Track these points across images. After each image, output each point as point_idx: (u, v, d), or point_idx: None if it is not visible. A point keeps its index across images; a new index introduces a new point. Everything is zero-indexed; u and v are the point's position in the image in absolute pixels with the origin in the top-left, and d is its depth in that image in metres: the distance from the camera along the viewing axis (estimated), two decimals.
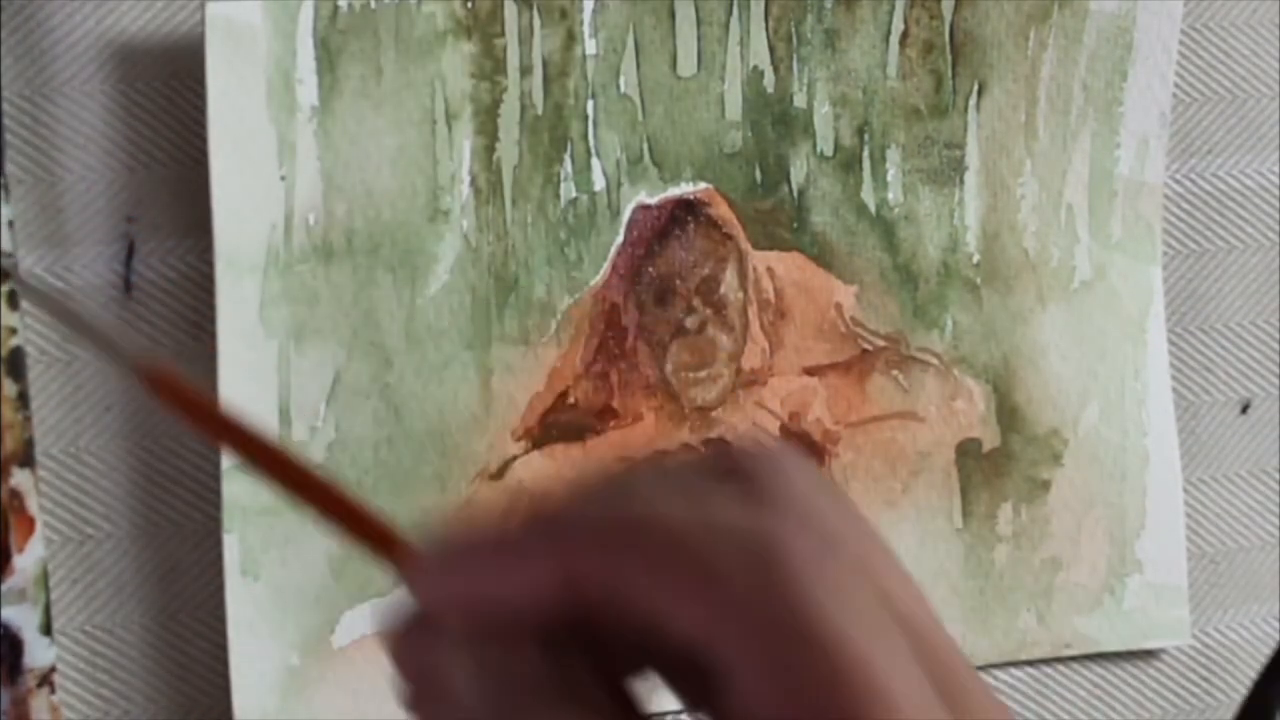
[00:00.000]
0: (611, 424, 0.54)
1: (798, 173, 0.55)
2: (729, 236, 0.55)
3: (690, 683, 0.32)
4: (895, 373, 0.56)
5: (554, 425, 0.53)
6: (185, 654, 0.52)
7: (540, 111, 0.52)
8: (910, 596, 0.31)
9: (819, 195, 0.55)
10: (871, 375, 0.56)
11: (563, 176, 0.53)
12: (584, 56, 0.53)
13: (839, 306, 0.56)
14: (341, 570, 0.51)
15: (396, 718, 0.52)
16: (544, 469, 0.53)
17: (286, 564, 0.50)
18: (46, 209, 0.51)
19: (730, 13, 0.54)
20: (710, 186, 0.54)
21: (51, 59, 0.50)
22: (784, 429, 0.55)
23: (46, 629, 0.49)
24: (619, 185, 0.53)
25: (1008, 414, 0.57)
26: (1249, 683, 0.59)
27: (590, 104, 0.53)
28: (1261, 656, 0.61)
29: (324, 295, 0.51)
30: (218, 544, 0.50)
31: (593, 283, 0.53)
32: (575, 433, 0.53)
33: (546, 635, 0.31)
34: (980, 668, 0.58)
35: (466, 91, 0.52)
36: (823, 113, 0.55)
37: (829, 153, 0.55)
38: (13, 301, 0.49)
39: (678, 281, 0.54)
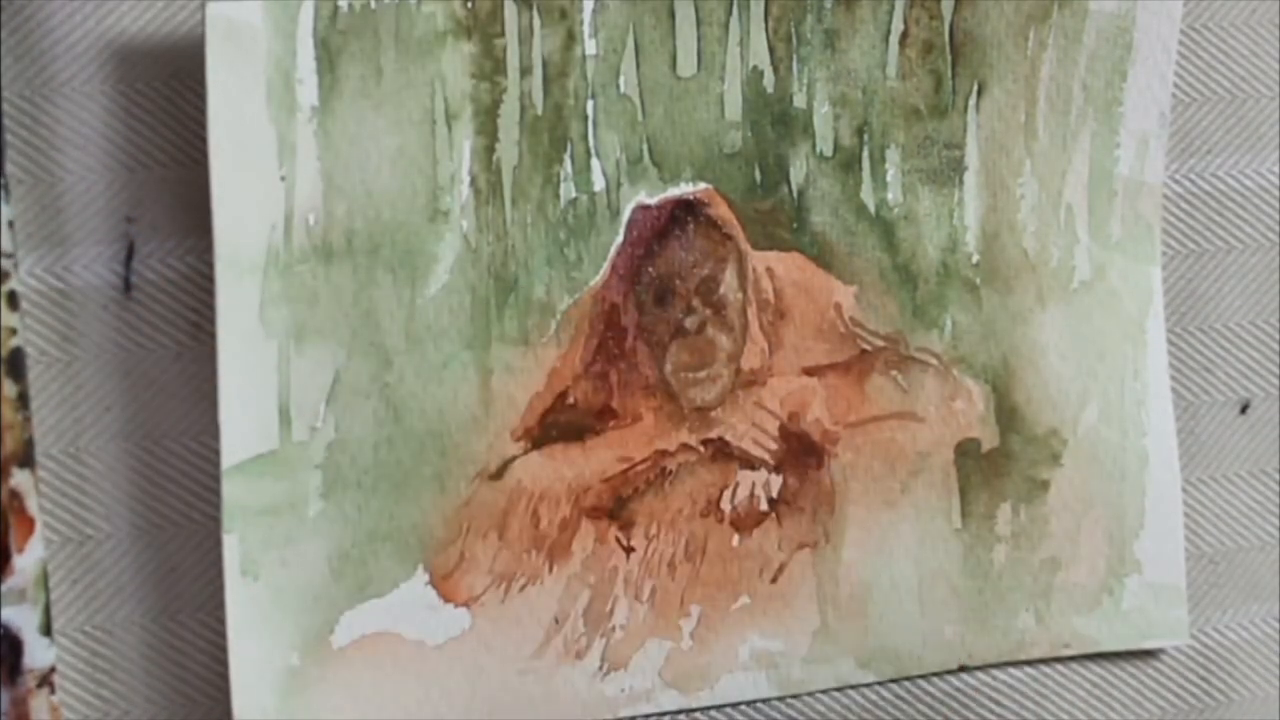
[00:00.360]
0: (611, 424, 0.54)
1: (797, 173, 0.55)
2: (729, 237, 0.55)
3: None
4: (894, 373, 0.56)
5: (553, 425, 0.53)
6: (185, 654, 0.52)
7: (540, 112, 0.52)
8: None
9: (818, 195, 0.55)
10: (871, 375, 0.56)
11: (562, 177, 0.53)
12: (584, 57, 0.53)
13: (838, 307, 0.56)
14: (341, 571, 0.51)
15: (395, 718, 0.52)
16: (543, 469, 0.53)
17: (286, 564, 0.50)
18: (46, 209, 0.51)
19: (730, 13, 0.54)
20: (710, 187, 0.54)
21: (51, 59, 0.50)
22: (783, 429, 0.55)
23: (46, 629, 0.49)
24: (619, 185, 0.53)
25: (1007, 414, 0.57)
26: (1248, 683, 0.59)
27: (590, 104, 0.53)
28: (1261, 657, 0.61)
29: (324, 295, 0.51)
30: (217, 544, 0.50)
31: (592, 283, 0.53)
32: (575, 433, 0.53)
33: None
34: (979, 668, 0.58)
35: (466, 92, 0.52)
36: (822, 113, 0.55)
37: (828, 153, 0.55)
38: (12, 301, 0.49)
39: (677, 282, 0.54)
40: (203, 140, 0.49)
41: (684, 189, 0.54)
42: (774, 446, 0.55)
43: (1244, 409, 0.62)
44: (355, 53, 0.51)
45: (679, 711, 0.55)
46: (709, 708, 0.55)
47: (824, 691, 0.56)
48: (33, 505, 0.49)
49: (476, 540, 0.52)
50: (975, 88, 0.56)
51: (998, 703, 0.58)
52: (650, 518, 0.54)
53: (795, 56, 0.55)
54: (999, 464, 0.57)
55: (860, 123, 0.55)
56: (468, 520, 0.52)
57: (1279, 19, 0.61)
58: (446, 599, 0.52)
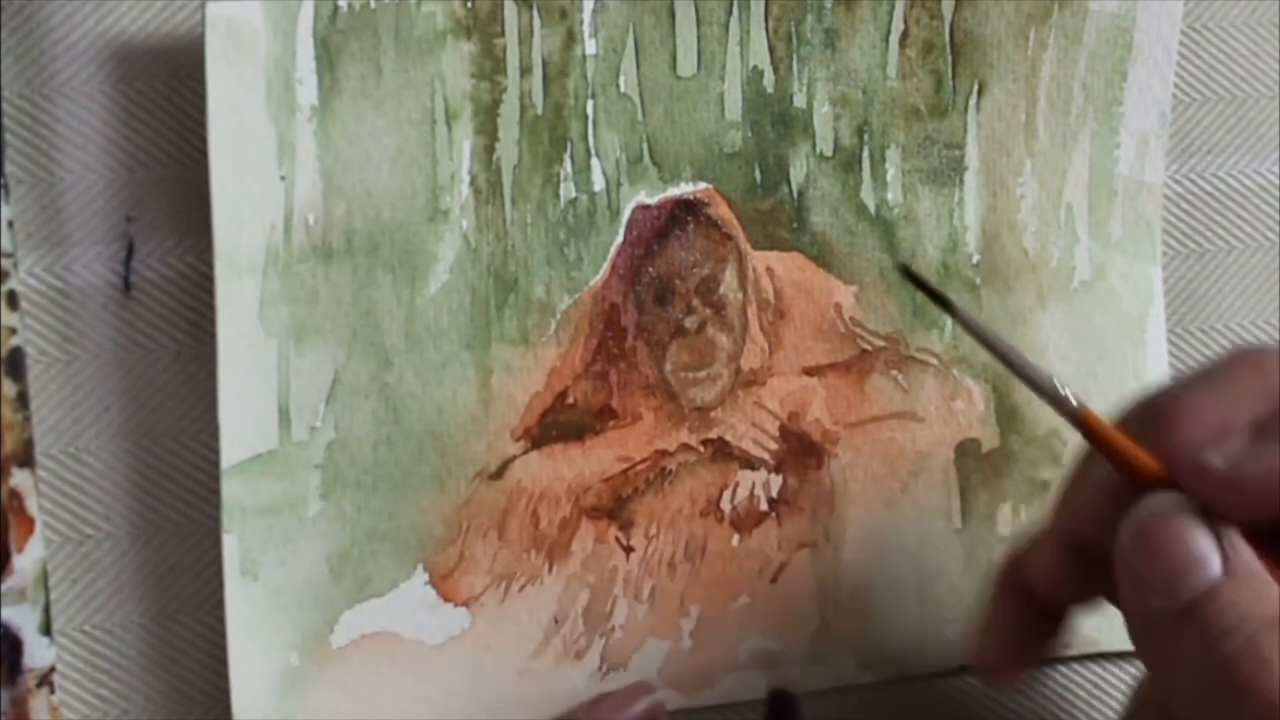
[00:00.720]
0: (610, 424, 0.54)
1: (797, 173, 0.55)
2: (729, 236, 0.55)
3: None
4: (894, 373, 0.56)
5: (553, 425, 0.53)
6: (184, 654, 0.52)
7: (540, 111, 0.52)
8: None
9: (818, 195, 0.55)
10: (871, 375, 0.56)
11: (562, 176, 0.53)
12: (584, 56, 0.53)
13: (838, 306, 0.56)
14: (341, 570, 0.51)
15: (394, 717, 0.52)
16: (543, 469, 0.53)
17: (285, 564, 0.50)
18: (46, 209, 0.51)
19: (730, 13, 0.54)
20: (710, 186, 0.54)
21: (51, 59, 0.51)
22: (783, 429, 0.55)
23: (46, 629, 0.49)
24: (619, 185, 0.53)
25: (1007, 414, 0.57)
26: None
27: (590, 104, 0.53)
28: None
29: (324, 295, 0.51)
30: (217, 544, 0.50)
31: (592, 283, 0.53)
32: (574, 433, 0.53)
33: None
34: None
35: (466, 91, 0.52)
36: (822, 113, 0.55)
37: (829, 153, 0.55)
38: (12, 301, 0.49)
39: (677, 281, 0.54)
40: (203, 140, 0.49)
41: (684, 189, 0.54)
42: (774, 446, 0.55)
43: None
44: (355, 52, 0.51)
45: (678, 711, 0.55)
46: (708, 708, 0.55)
47: (823, 691, 0.56)
48: (33, 505, 0.49)
49: (476, 540, 0.52)
50: (975, 88, 0.56)
51: (998, 702, 0.58)
52: (650, 518, 0.54)
53: (795, 56, 0.55)
54: (999, 464, 0.57)
55: (860, 122, 0.55)
56: (467, 520, 0.52)
57: (1279, 19, 0.61)
58: (446, 599, 0.52)
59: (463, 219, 0.52)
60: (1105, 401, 0.57)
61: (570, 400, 0.53)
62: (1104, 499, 0.47)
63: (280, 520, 0.50)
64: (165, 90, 0.51)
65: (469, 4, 0.51)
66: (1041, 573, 0.50)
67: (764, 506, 0.55)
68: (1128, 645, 0.58)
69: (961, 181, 0.56)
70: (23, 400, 0.49)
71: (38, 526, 0.49)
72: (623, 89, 0.53)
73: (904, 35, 0.56)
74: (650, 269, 0.54)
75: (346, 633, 0.51)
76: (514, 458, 0.53)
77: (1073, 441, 0.57)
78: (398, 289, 0.51)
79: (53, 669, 0.49)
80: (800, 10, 0.54)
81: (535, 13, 0.52)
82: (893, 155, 0.56)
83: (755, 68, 0.54)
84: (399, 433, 0.52)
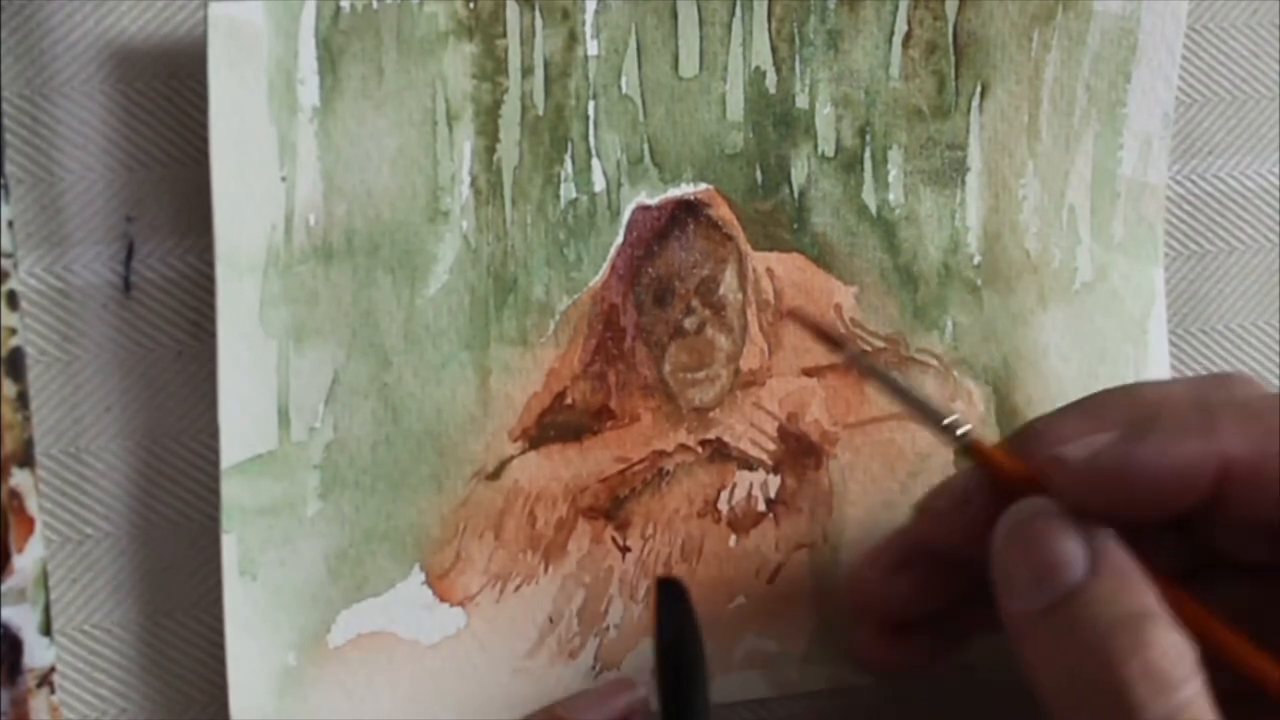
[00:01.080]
0: (608, 424, 0.54)
1: (799, 174, 0.55)
2: (729, 237, 0.55)
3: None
4: (895, 374, 0.56)
5: (551, 425, 0.53)
6: (183, 653, 0.52)
7: (541, 112, 0.52)
8: None
9: (820, 196, 0.55)
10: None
11: (563, 177, 0.53)
12: (585, 57, 0.53)
13: (838, 307, 0.56)
14: (338, 570, 0.51)
15: (391, 717, 0.52)
16: (540, 469, 0.53)
17: (284, 564, 0.51)
18: (46, 209, 0.51)
19: (733, 14, 0.54)
20: (711, 187, 0.54)
21: (51, 59, 0.51)
22: (782, 430, 0.55)
23: (46, 629, 0.49)
24: (619, 186, 0.53)
25: (1007, 415, 0.57)
26: None
27: (591, 105, 0.53)
28: None
29: (324, 296, 0.51)
30: (216, 544, 0.50)
31: (592, 283, 0.53)
32: (572, 433, 0.53)
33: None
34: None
35: (467, 92, 0.52)
36: (824, 114, 0.55)
37: (830, 154, 0.55)
38: (12, 301, 0.49)
39: (677, 282, 0.54)
40: (203, 140, 0.49)
41: (685, 189, 0.54)
42: (772, 447, 0.55)
43: None
44: (357, 53, 0.51)
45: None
46: None
47: (821, 692, 0.56)
48: (33, 505, 0.49)
49: (473, 540, 0.53)
50: (978, 89, 0.56)
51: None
52: (647, 518, 0.54)
53: (798, 57, 0.55)
54: None
55: (862, 123, 0.55)
56: (464, 520, 0.52)
57: (1279, 20, 0.61)
58: (442, 598, 0.52)
59: (463, 219, 0.52)
60: None
61: (568, 401, 0.53)
62: (974, 512, 0.48)
63: (279, 520, 0.51)
64: (165, 90, 0.51)
65: (471, 5, 0.51)
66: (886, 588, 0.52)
67: (762, 507, 0.55)
68: None
69: (963, 182, 0.56)
70: (23, 400, 0.49)
71: (38, 526, 0.49)
72: (624, 90, 0.53)
73: (907, 36, 0.55)
74: (650, 270, 0.54)
75: (344, 632, 0.52)
76: (511, 458, 0.53)
77: None
78: (397, 289, 0.52)
79: (53, 669, 0.49)
80: (803, 11, 0.54)
81: (537, 13, 0.52)
82: (895, 156, 0.56)
83: (757, 68, 0.54)
84: (398, 433, 0.52)
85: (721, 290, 0.55)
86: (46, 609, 0.49)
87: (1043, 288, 0.57)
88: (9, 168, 0.50)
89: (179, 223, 0.52)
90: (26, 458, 0.49)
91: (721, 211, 0.54)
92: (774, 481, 0.55)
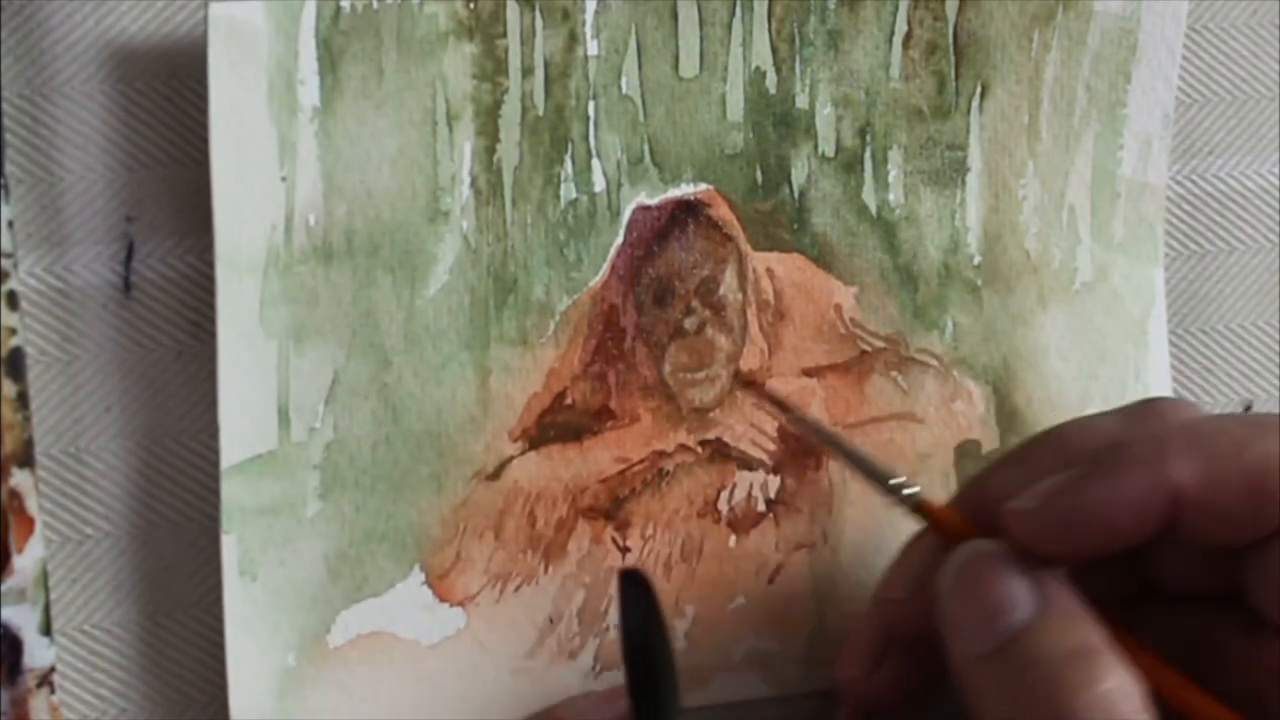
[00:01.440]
0: (608, 424, 0.54)
1: (799, 174, 0.55)
2: (729, 238, 0.55)
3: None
4: (894, 374, 0.56)
5: (551, 426, 0.53)
6: (183, 653, 0.52)
7: (541, 112, 0.52)
8: None
9: (820, 196, 0.55)
10: (870, 376, 0.56)
11: (563, 177, 0.53)
12: (586, 58, 0.53)
13: (838, 308, 0.56)
14: (338, 570, 0.51)
15: (391, 717, 0.52)
16: (540, 469, 0.53)
17: (284, 564, 0.51)
18: (46, 209, 0.51)
19: (733, 14, 0.54)
20: (711, 187, 0.54)
21: (51, 59, 0.51)
22: (782, 430, 0.55)
23: (46, 629, 0.49)
24: (619, 186, 0.53)
25: (1007, 416, 0.57)
26: None
27: (591, 105, 0.53)
28: None
29: (324, 296, 0.51)
30: (216, 544, 0.50)
31: (591, 283, 0.53)
32: (572, 433, 0.53)
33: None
34: None
35: (468, 92, 0.52)
36: (825, 114, 0.55)
37: (830, 154, 0.55)
38: (12, 301, 0.49)
39: (677, 282, 0.54)
40: (203, 140, 0.49)
41: (685, 190, 0.54)
42: (772, 447, 0.55)
43: (1246, 410, 0.61)
44: (357, 53, 0.51)
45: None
46: (703, 707, 0.55)
47: (821, 693, 0.56)
48: (33, 505, 0.49)
49: (473, 540, 0.53)
50: (978, 89, 0.56)
51: None
52: (647, 518, 0.54)
53: (798, 57, 0.55)
54: None
55: (863, 124, 0.55)
56: (464, 520, 0.52)
57: (1279, 20, 0.61)
58: (442, 599, 0.52)
59: (463, 220, 0.52)
60: (1106, 403, 0.57)
61: (568, 401, 0.53)
62: (932, 592, 0.47)
63: (279, 520, 0.51)
64: (165, 90, 0.51)
65: (471, 5, 0.51)
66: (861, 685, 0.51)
67: (761, 507, 0.55)
68: None
69: (963, 183, 0.56)
70: (23, 400, 0.49)
71: (38, 526, 0.49)
72: (624, 90, 0.53)
73: (907, 36, 0.55)
74: (650, 270, 0.54)
75: (343, 632, 0.52)
76: (511, 458, 0.53)
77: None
78: (397, 289, 0.52)
79: (53, 669, 0.49)
80: (803, 11, 0.54)
81: (537, 14, 0.52)
82: (895, 156, 0.56)
83: (758, 69, 0.54)
84: (397, 433, 0.52)
85: (721, 290, 0.55)
86: (46, 609, 0.49)
87: (1043, 288, 0.57)
88: (9, 168, 0.50)
89: (179, 223, 0.52)
90: (26, 458, 0.49)
91: (721, 212, 0.54)
92: (774, 482, 0.55)
